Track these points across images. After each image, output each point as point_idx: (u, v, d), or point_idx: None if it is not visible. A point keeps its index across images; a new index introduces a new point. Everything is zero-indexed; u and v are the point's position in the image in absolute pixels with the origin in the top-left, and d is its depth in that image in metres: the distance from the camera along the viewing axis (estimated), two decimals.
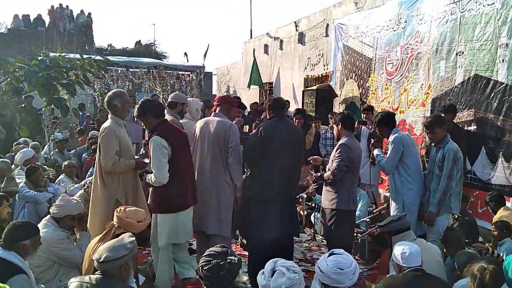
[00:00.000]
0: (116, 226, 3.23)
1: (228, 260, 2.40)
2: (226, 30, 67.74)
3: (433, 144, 4.64)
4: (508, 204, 5.08)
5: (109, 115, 4.21)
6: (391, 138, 4.56)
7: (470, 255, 3.25)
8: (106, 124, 4.12)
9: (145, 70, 13.90)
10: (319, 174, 4.51)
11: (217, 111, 4.34)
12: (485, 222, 5.59)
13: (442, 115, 5.51)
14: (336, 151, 4.29)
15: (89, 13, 21.37)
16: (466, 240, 4.04)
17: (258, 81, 13.58)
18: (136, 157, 4.35)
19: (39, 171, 5.59)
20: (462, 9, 6.18)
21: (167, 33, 61.31)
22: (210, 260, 2.44)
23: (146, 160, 4.13)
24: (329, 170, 4.34)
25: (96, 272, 2.51)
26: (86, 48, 16.82)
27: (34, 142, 7.35)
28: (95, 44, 20.92)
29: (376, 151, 4.78)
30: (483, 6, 5.78)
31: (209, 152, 4.10)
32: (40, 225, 3.54)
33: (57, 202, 3.67)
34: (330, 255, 2.60)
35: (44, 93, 3.38)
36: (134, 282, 2.63)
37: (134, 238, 2.63)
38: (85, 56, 3.83)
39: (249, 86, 13.89)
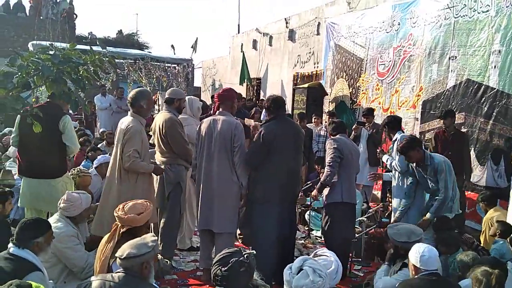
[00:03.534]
0: (120, 225, 3.23)
1: (246, 255, 2.35)
2: (212, 23, 67.29)
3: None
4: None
5: (130, 112, 4.15)
6: (398, 136, 4.91)
7: (472, 256, 3.37)
8: (131, 123, 4.04)
9: (131, 61, 13.72)
10: (316, 188, 4.62)
11: (220, 110, 4.35)
12: (472, 222, 5.81)
13: (442, 120, 5.76)
14: (326, 147, 4.58)
15: (71, 0, 20.91)
16: (456, 231, 4.21)
17: (246, 76, 13.52)
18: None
19: None
20: (456, 14, 6.34)
21: (150, 23, 60.42)
22: (227, 260, 2.39)
23: (163, 166, 4.37)
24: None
25: (118, 271, 2.52)
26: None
27: None
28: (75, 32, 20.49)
29: (384, 157, 5.04)
30: (478, 13, 5.95)
31: (216, 152, 4.12)
32: (51, 219, 3.47)
33: (67, 203, 3.54)
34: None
35: (54, 87, 3.31)
36: (154, 281, 2.65)
37: (156, 238, 2.65)
38: (94, 48, 3.80)
39: (241, 83, 13.72)
